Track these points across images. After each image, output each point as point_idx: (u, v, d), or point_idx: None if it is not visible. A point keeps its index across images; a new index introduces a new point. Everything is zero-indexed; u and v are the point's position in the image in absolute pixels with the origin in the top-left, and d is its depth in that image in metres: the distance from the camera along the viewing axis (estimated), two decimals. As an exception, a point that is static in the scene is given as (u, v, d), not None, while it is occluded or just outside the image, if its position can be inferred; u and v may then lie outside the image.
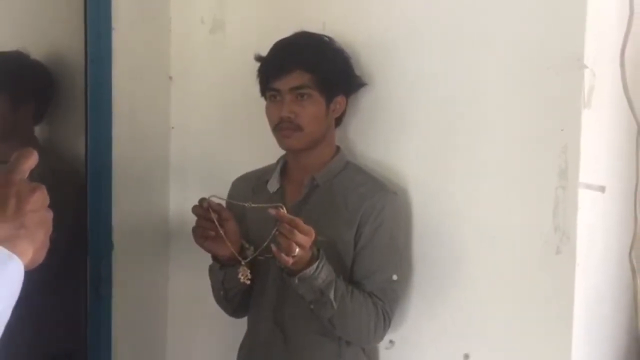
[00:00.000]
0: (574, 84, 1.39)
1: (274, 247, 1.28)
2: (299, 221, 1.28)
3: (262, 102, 1.63)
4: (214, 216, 1.38)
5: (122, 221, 1.82)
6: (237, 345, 1.68)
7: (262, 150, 1.79)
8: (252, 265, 1.44)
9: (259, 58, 1.57)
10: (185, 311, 2.03)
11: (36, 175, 1.95)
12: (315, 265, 1.34)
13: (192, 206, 1.42)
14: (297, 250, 1.27)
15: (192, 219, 1.86)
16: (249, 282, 1.39)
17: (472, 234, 1.54)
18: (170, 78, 1.97)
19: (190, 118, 1.98)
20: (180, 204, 2.00)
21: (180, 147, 1.99)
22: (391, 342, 1.64)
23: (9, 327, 1.75)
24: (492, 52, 1.48)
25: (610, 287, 1.63)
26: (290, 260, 1.28)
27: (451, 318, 1.57)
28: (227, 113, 1.94)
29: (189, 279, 1.99)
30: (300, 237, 1.26)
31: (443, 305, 1.59)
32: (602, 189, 1.45)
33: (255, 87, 1.64)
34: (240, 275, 1.39)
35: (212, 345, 1.98)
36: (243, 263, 1.39)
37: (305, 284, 1.35)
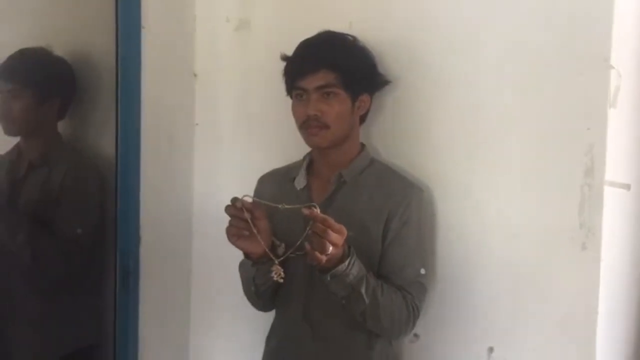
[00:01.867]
0: (601, 84, 1.41)
1: (307, 246, 1.31)
2: (332, 220, 1.30)
3: (285, 100, 1.66)
4: (247, 215, 1.40)
5: (148, 216, 1.86)
6: (260, 337, 1.73)
7: (284, 147, 1.84)
8: (283, 262, 1.47)
9: (284, 58, 1.60)
10: (207, 302, 2.08)
11: (61, 172, 2.00)
12: (346, 262, 1.37)
13: (225, 206, 1.42)
14: (331, 248, 1.30)
15: (215, 214, 1.90)
16: (282, 280, 1.41)
17: (496, 229, 1.57)
18: (195, 75, 2.01)
19: (214, 115, 2.02)
20: (204, 199, 2.05)
21: (203, 144, 2.03)
22: (416, 335, 1.68)
23: (42, 317, 1.79)
24: (519, 52, 1.51)
25: (630, 278, 1.66)
26: (324, 259, 1.31)
27: (475, 312, 1.61)
28: (251, 110, 1.99)
29: (211, 271, 2.05)
30: (333, 235, 1.29)
31: (467, 300, 1.62)
32: (627, 186, 1.48)
33: (278, 85, 1.67)
34: (273, 274, 1.41)
35: (234, 336, 2.04)
36: (276, 262, 1.41)
37: (337, 280, 1.38)
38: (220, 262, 2.01)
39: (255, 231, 1.41)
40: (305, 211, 1.30)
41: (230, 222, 1.44)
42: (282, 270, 1.41)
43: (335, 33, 1.58)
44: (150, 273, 1.87)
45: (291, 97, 1.60)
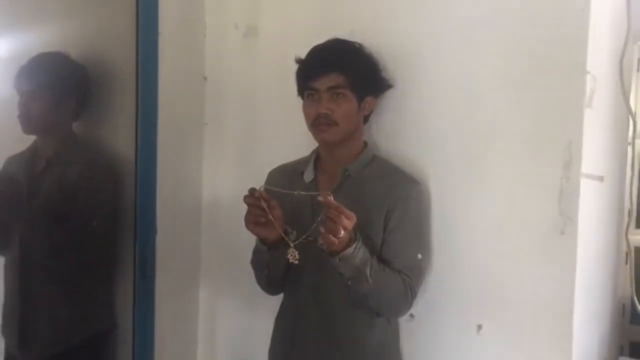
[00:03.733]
0: (577, 87, 1.59)
1: (322, 229, 1.45)
2: (344, 207, 1.44)
3: (290, 101, 1.80)
4: (264, 204, 1.54)
5: (163, 208, 1.99)
6: (265, 319, 1.86)
7: (288, 145, 1.98)
8: (295, 248, 1.60)
9: (298, 60, 1.74)
10: (215, 288, 2.22)
11: (76, 168, 2.11)
12: (354, 246, 1.52)
13: (243, 196, 1.55)
14: (342, 232, 1.45)
15: (223, 206, 2.06)
16: (297, 262, 1.54)
17: (485, 218, 1.72)
18: (205, 78, 2.15)
19: (222, 115, 2.16)
20: (212, 193, 2.19)
21: (213, 142, 2.17)
22: (411, 315, 1.82)
23: (61, 304, 1.92)
24: (506, 58, 1.68)
25: (603, 259, 1.84)
26: (337, 241, 1.45)
27: (465, 293, 1.76)
28: (257, 111, 2.12)
29: (219, 259, 2.18)
30: (345, 221, 1.43)
31: (458, 283, 1.77)
32: (601, 178, 1.66)
33: (283, 88, 1.81)
34: (289, 257, 1.54)
35: (241, 318, 2.17)
36: (292, 245, 1.55)
37: (345, 262, 1.53)
38: (227, 251, 2.16)
39: (271, 218, 1.55)
40: (321, 198, 1.44)
41: (248, 210, 1.56)
42: (297, 252, 1.54)
43: (344, 40, 1.72)
44: (164, 262, 2.00)
45: (302, 97, 1.74)
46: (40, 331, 2.02)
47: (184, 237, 2.13)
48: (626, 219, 2.15)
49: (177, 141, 2.06)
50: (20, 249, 2.02)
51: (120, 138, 2.06)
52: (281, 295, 1.85)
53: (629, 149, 2.42)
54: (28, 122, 1.98)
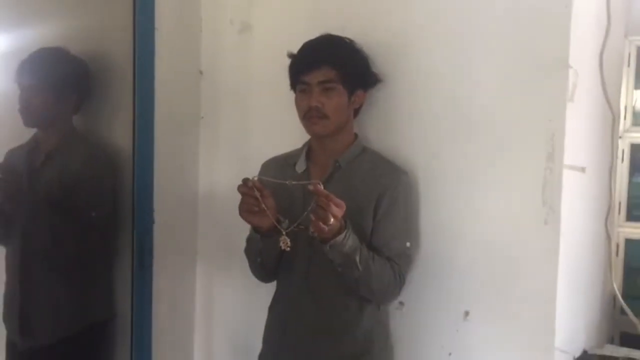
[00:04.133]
0: (560, 82, 1.64)
1: (312, 217, 1.50)
2: (333, 196, 1.50)
3: (282, 96, 1.86)
4: (257, 194, 1.59)
5: (160, 200, 2.05)
6: (261, 306, 1.91)
7: (280, 137, 2.04)
8: (287, 236, 1.65)
9: (290, 55, 1.79)
10: (210, 276, 2.28)
11: (76, 161, 2.16)
12: (344, 234, 1.57)
13: (237, 185, 1.59)
14: (332, 220, 1.50)
15: (218, 197, 2.11)
16: (289, 249, 1.59)
17: (472, 207, 1.78)
18: (201, 73, 2.20)
19: (218, 109, 2.21)
20: (208, 184, 2.24)
21: (209, 135, 2.23)
22: (401, 303, 1.89)
23: (61, 293, 1.98)
24: (491, 54, 1.73)
25: (588, 250, 1.90)
26: (326, 229, 1.50)
27: (453, 281, 1.82)
28: (251, 104, 2.18)
29: (216, 250, 2.25)
30: (335, 209, 1.49)
31: (446, 270, 1.83)
32: (582, 169, 1.71)
33: (276, 82, 1.86)
34: (281, 244, 1.59)
35: (235, 306, 2.24)
36: (284, 233, 1.60)
37: (335, 249, 1.58)
38: (223, 241, 2.22)
39: (264, 207, 1.60)
40: (311, 187, 1.49)
41: (242, 199, 1.61)
42: (289, 240, 1.59)
43: (335, 36, 1.78)
44: (162, 252, 2.06)
45: (294, 91, 1.79)
46: (40, 319, 2.07)
47: (181, 227, 2.19)
48: (616, 211, 2.21)
49: (174, 134, 2.11)
50: (21, 239, 2.07)
51: (118, 131, 2.11)
52: (275, 283, 1.90)
53: (620, 142, 2.49)
54: (29, 116, 2.03)
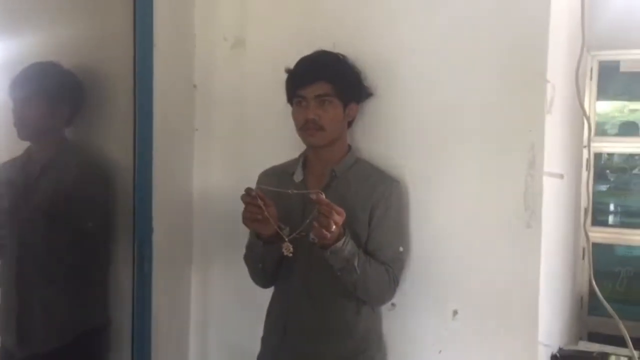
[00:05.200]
0: (539, 95, 1.78)
1: (315, 224, 1.59)
2: (334, 204, 1.59)
3: (274, 108, 1.95)
4: (260, 202, 1.67)
5: (158, 209, 2.11)
6: (255, 310, 1.99)
7: (272, 149, 2.12)
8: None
9: (287, 70, 1.88)
10: (207, 281, 2.35)
11: (71, 173, 2.21)
12: (343, 240, 1.67)
13: (241, 195, 1.67)
14: (334, 227, 1.60)
15: (211, 207, 2.19)
16: (291, 254, 1.68)
17: (458, 213, 1.90)
18: (195, 86, 2.28)
19: (211, 121, 2.29)
20: (202, 194, 2.32)
21: (203, 147, 2.30)
22: (393, 304, 1.98)
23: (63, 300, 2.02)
24: (475, 70, 1.86)
25: (565, 256, 2.03)
26: (329, 235, 1.60)
27: (442, 282, 1.93)
28: (243, 117, 2.26)
29: (210, 256, 2.32)
30: (336, 216, 1.59)
31: (435, 273, 1.93)
32: (561, 176, 1.85)
33: (268, 96, 1.95)
34: (284, 250, 1.68)
35: (230, 309, 2.31)
36: (286, 240, 1.69)
37: (335, 255, 1.68)
38: (217, 247, 2.30)
39: (267, 215, 1.68)
40: (313, 196, 1.58)
41: (245, 208, 1.68)
42: (291, 246, 1.69)
43: (329, 52, 1.88)
44: (161, 259, 2.12)
45: (291, 105, 1.88)
46: (37, 328, 2.10)
47: (176, 235, 2.25)
48: (582, 215, 2.36)
49: (170, 146, 2.17)
50: (17, 249, 2.11)
51: (117, 144, 2.16)
52: (270, 290, 1.98)
53: (584, 150, 2.65)
54: (23, 129, 2.05)
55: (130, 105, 2.02)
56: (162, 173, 2.11)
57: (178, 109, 2.23)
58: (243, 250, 1.94)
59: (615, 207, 3.34)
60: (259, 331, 2.00)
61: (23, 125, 2.06)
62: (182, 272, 2.30)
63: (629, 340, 1.59)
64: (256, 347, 2.01)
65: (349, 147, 1.95)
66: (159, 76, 2.08)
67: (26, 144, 2.11)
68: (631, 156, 2.94)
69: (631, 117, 3.48)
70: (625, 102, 3.53)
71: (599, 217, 3.21)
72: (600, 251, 3.07)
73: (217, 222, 2.28)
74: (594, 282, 1.94)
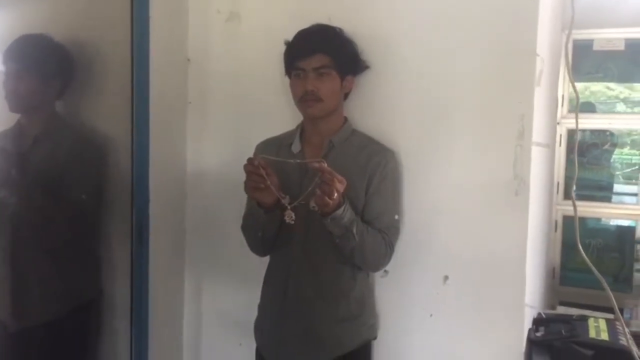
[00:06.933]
0: (528, 68, 1.85)
1: (318, 192, 1.64)
2: (335, 173, 1.64)
3: (268, 81, 2.00)
4: (262, 172, 1.70)
5: (153, 180, 2.13)
6: (247, 279, 2.05)
7: (267, 120, 2.16)
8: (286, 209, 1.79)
9: (286, 43, 1.92)
10: (200, 251, 2.39)
11: (63, 145, 2.22)
12: (342, 208, 1.73)
13: (243, 165, 1.71)
14: (336, 194, 1.65)
15: (204, 177, 2.23)
16: (292, 222, 1.73)
17: (450, 182, 1.97)
18: (189, 60, 2.29)
19: (204, 94, 2.31)
20: (195, 166, 2.35)
21: (196, 119, 2.32)
22: (386, 271, 2.06)
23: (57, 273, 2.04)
24: (468, 43, 1.92)
25: (544, 222, 2.12)
26: (331, 202, 1.65)
27: (433, 248, 2.00)
28: (237, 90, 2.28)
29: (203, 225, 2.36)
30: (338, 184, 1.64)
31: (426, 240, 2.01)
32: (547, 146, 1.93)
33: (262, 69, 1.98)
34: (286, 217, 1.72)
35: (224, 278, 2.36)
36: (289, 207, 1.73)
37: (335, 222, 1.73)
38: (210, 216, 2.34)
39: (269, 184, 1.72)
40: (316, 164, 1.63)
41: (247, 177, 1.72)
42: (293, 213, 1.73)
43: (327, 25, 1.92)
44: (156, 228, 2.15)
45: (289, 77, 1.93)
46: (31, 300, 2.12)
47: (171, 205, 2.28)
48: (555, 190, 2.45)
49: (164, 119, 2.19)
50: (11, 221, 2.11)
51: (112, 116, 2.17)
52: (262, 258, 2.03)
53: (557, 127, 2.75)
54: (14, 101, 2.06)
55: (126, 78, 2.03)
56: (157, 145, 2.13)
57: (172, 82, 2.24)
58: (236, 220, 1.99)
59: (587, 181, 3.46)
60: (252, 299, 2.05)
61: (14, 97, 2.06)
62: (176, 241, 2.34)
63: (615, 304, 1.68)
64: (249, 314, 2.06)
65: (345, 118, 2.00)
66: (154, 49, 2.09)
67: (17, 116, 2.12)
68: (602, 132, 3.05)
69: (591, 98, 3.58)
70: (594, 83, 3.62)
71: (571, 192, 3.31)
72: (572, 224, 3.19)
73: (210, 194, 2.32)
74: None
